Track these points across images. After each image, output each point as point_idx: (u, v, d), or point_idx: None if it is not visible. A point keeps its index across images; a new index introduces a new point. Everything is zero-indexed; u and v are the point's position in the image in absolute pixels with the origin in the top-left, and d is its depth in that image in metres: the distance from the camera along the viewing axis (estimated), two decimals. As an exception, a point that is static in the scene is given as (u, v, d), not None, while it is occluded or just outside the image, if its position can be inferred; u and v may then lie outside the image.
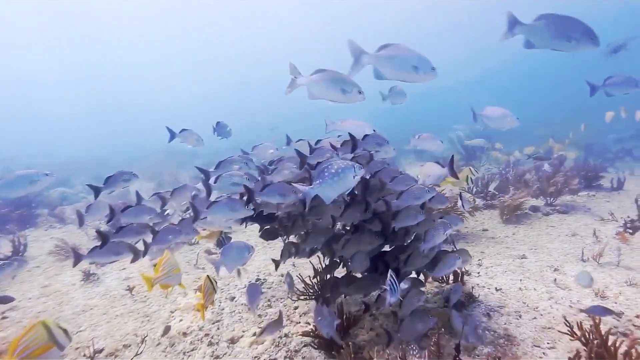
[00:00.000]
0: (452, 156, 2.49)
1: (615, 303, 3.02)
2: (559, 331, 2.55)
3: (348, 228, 3.09)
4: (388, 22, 44.39)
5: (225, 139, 4.58)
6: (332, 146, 2.85)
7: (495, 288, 3.40)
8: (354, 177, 2.03)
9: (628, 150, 13.74)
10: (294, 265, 4.38)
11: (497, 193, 6.65)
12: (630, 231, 4.48)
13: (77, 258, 2.49)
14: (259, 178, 2.81)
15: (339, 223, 2.88)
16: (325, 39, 47.25)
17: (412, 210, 2.54)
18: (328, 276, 3.13)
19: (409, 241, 2.86)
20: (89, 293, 4.02)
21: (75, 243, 5.77)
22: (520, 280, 3.54)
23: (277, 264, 3.18)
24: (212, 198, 2.70)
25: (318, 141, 3.06)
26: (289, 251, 2.87)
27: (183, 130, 3.89)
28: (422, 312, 2.43)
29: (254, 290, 2.52)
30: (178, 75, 59.07)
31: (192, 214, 2.37)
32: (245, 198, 2.50)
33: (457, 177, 2.65)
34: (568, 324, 2.33)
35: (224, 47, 53.16)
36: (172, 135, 3.89)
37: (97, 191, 2.94)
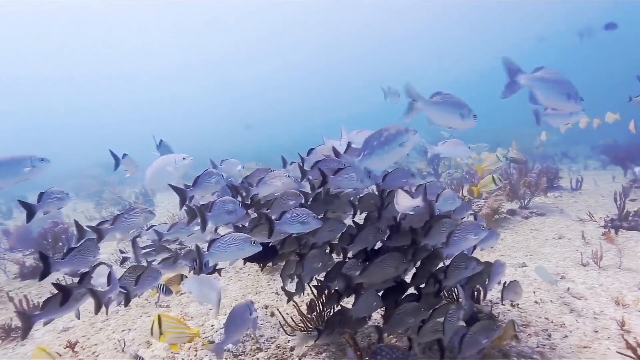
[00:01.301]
0: (425, 186, 2.18)
1: (639, 311, 2.84)
2: (620, 354, 2.25)
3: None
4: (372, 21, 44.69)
5: None
6: (335, 152, 2.45)
7: (511, 304, 3.10)
8: (405, 143, 1.83)
9: (564, 152, 15.00)
10: (277, 294, 3.75)
11: (471, 198, 6.57)
12: (613, 230, 4.51)
13: (27, 323, 1.67)
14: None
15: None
16: (318, 36, 46.88)
17: (446, 223, 2.11)
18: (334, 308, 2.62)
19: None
20: (11, 356, 3.01)
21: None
22: (534, 292, 3.28)
23: (290, 296, 2.62)
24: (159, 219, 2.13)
25: (311, 150, 2.70)
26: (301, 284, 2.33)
27: (124, 155, 3.66)
28: (488, 323, 1.99)
29: (240, 319, 1.94)
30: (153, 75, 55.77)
31: (194, 261, 1.72)
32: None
33: (433, 211, 2.31)
34: (631, 345, 2.03)
35: (204, 46, 50.77)
36: (117, 162, 3.54)
37: (30, 211, 2.25)
